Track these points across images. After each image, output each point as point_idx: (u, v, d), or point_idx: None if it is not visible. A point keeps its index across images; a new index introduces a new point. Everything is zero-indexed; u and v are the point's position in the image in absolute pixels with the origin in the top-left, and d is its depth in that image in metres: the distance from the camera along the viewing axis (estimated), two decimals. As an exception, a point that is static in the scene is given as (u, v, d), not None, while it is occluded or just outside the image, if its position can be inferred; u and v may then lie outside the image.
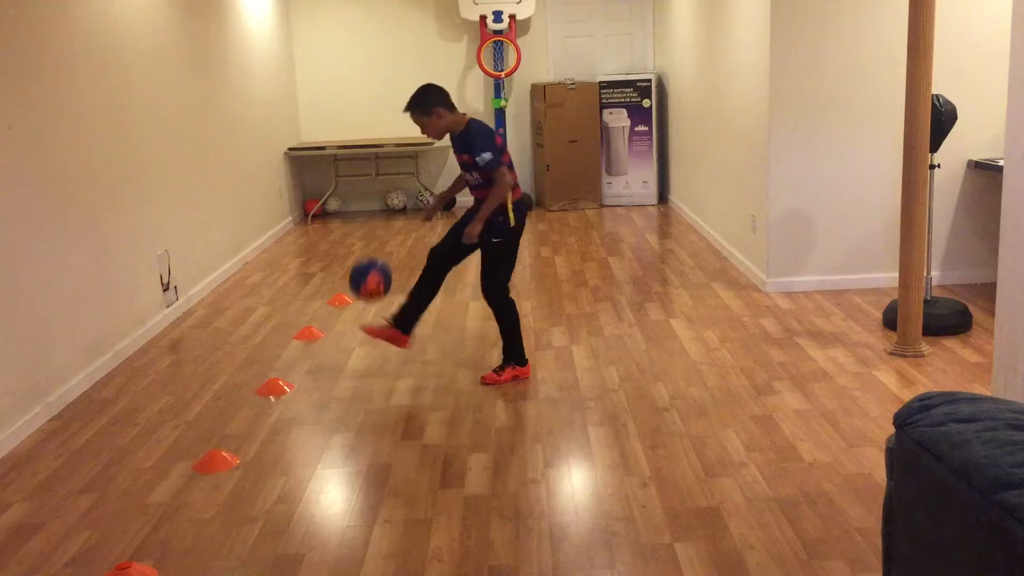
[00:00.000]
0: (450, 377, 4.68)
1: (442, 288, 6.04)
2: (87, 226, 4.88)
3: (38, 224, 4.40)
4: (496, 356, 4.94)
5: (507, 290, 4.56)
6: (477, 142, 4.31)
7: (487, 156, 4.29)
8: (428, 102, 4.34)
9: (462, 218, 4.58)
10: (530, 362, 4.71)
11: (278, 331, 5.61)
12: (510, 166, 4.39)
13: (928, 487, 1.84)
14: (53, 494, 3.60)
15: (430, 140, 9.38)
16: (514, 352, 4.59)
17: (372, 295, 4.47)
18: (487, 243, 4.44)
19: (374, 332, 4.64)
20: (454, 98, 9.70)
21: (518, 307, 5.84)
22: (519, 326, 4.60)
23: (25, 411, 4.19)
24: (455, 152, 4.50)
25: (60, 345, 4.53)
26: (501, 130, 9.60)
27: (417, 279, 4.64)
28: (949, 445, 1.79)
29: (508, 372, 4.58)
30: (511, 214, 4.42)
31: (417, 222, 9.18)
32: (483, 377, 4.60)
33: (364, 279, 4.43)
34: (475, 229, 4.33)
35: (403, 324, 4.60)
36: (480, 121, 4.46)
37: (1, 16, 4.18)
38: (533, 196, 9.85)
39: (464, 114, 4.44)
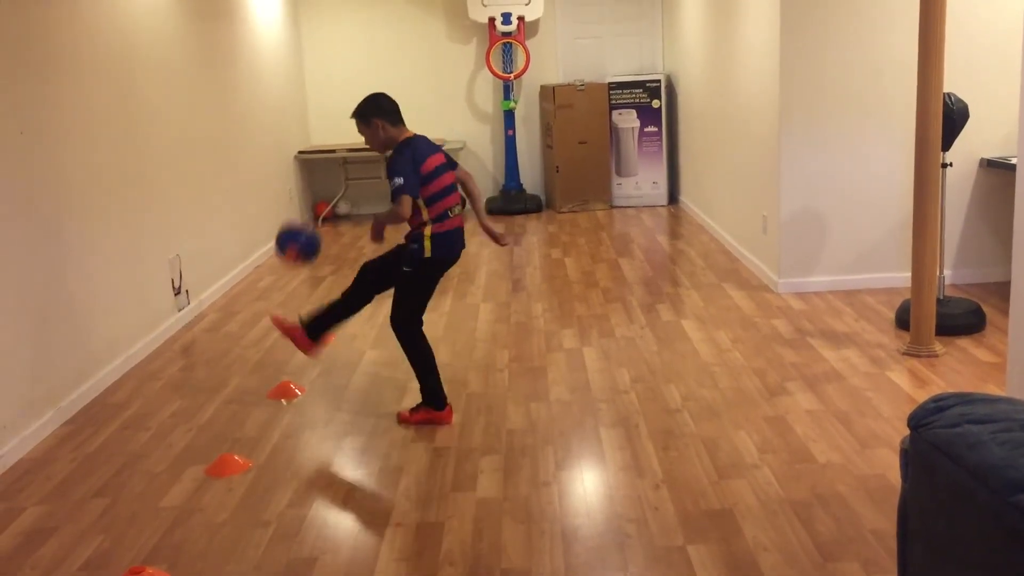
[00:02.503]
0: (461, 380, 4.68)
1: (450, 292, 6.04)
2: (98, 231, 4.90)
3: (49, 229, 4.41)
4: (506, 359, 4.94)
5: (417, 326, 4.21)
6: (393, 166, 3.98)
7: (399, 181, 3.93)
8: (367, 112, 4.06)
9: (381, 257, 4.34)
10: (451, 407, 4.24)
11: (289, 334, 5.61)
12: (439, 194, 4.06)
13: (944, 489, 1.83)
14: (66, 498, 3.61)
15: (440, 142, 9.39)
16: (429, 393, 4.18)
17: (293, 262, 4.33)
18: (400, 271, 4.16)
19: (281, 325, 4.42)
20: (463, 99, 9.80)
21: (529, 309, 5.85)
22: (433, 366, 4.19)
23: (38, 416, 4.21)
24: None
25: (72, 350, 4.55)
26: (511, 131, 9.60)
27: (345, 290, 4.37)
28: (965, 446, 1.78)
29: (421, 414, 4.19)
30: (427, 243, 4.07)
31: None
32: (399, 414, 4.27)
33: (284, 249, 4.26)
34: (372, 231, 4.15)
35: (312, 329, 4.36)
36: (414, 143, 4.07)
37: (11, 22, 4.19)
38: (543, 197, 9.84)
39: (404, 133, 4.10)
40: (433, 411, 4.18)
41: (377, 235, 4.19)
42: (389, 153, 4.12)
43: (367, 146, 4.24)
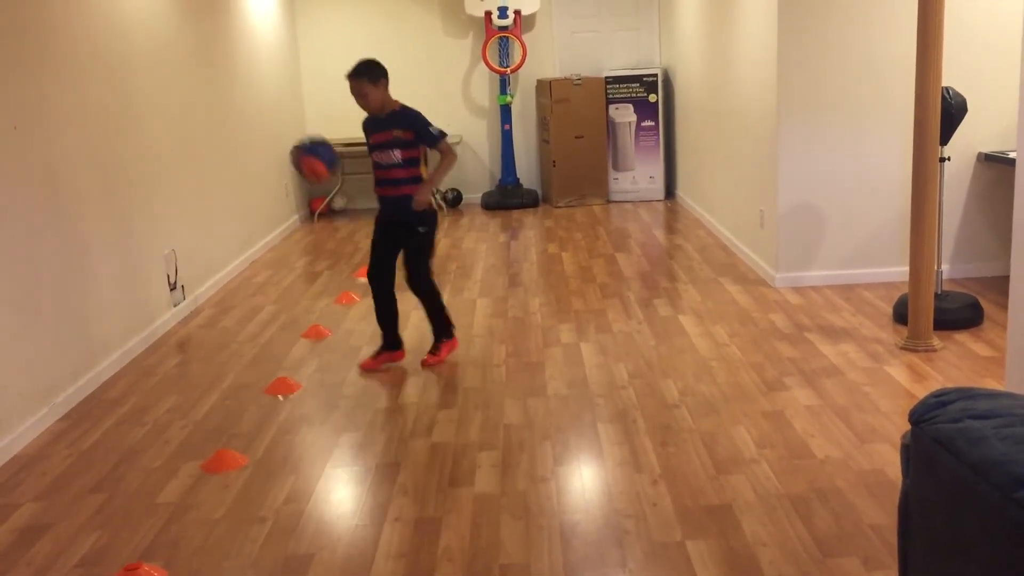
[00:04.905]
0: (458, 375, 4.66)
1: (447, 287, 6.07)
2: (93, 226, 4.87)
3: (44, 225, 4.39)
4: (503, 352, 4.93)
5: (433, 276, 4.82)
6: (421, 119, 4.61)
7: (440, 129, 4.63)
8: (379, 72, 4.58)
9: (380, 229, 4.76)
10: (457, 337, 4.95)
11: (285, 330, 5.60)
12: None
13: (945, 485, 1.82)
14: (62, 495, 3.59)
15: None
16: (442, 327, 4.84)
17: (316, 177, 4.61)
18: (416, 233, 4.63)
19: (371, 365, 4.81)
20: (460, 93, 9.79)
21: (526, 304, 5.85)
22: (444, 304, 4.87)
23: (33, 412, 4.19)
24: (375, 132, 4.64)
25: (68, 345, 4.52)
26: (507, 126, 9.57)
27: (375, 306, 4.83)
28: (966, 442, 1.77)
29: (444, 348, 4.83)
30: (436, 197, 4.79)
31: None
32: (423, 361, 4.80)
33: (301, 164, 4.60)
34: (425, 195, 4.59)
35: (390, 345, 4.85)
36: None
37: (6, 15, 4.17)
38: (540, 192, 9.82)
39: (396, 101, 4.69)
40: (448, 341, 4.86)
41: (426, 197, 4.64)
42: (383, 114, 4.62)
43: (362, 107, 4.64)
